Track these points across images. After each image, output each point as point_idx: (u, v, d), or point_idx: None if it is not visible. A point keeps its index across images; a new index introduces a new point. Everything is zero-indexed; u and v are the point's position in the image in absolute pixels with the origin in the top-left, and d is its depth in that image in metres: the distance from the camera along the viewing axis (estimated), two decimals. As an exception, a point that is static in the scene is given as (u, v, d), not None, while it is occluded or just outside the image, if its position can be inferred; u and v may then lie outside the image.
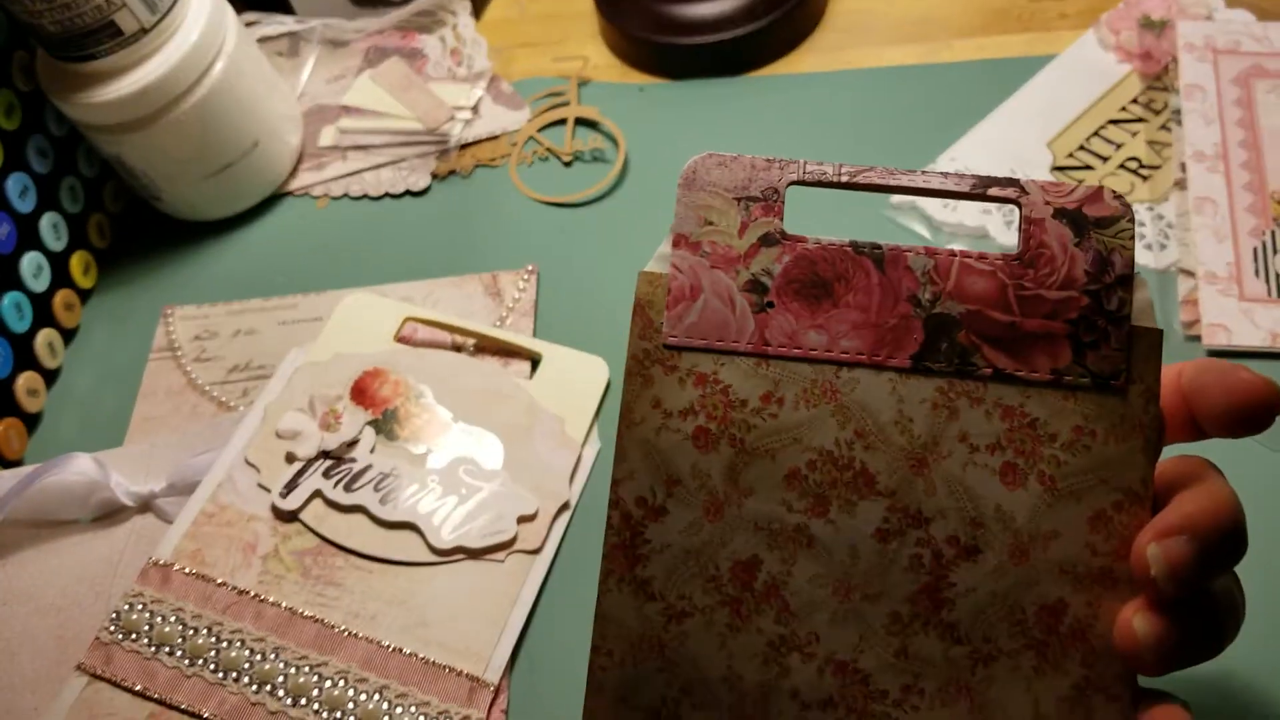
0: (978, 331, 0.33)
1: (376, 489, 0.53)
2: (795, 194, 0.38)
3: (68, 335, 0.66)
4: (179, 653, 0.49)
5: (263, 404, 0.56)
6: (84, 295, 0.67)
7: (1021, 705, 0.32)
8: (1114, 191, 0.33)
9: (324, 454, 0.54)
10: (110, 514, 0.55)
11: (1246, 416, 0.32)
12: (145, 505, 0.55)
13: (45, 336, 0.63)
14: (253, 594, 0.50)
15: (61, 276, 0.65)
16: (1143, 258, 0.57)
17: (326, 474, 0.54)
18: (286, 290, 0.65)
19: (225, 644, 0.49)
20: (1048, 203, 0.33)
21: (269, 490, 0.54)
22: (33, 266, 0.63)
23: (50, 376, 0.64)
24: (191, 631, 0.49)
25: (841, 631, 0.33)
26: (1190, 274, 0.56)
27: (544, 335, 0.60)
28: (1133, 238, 0.33)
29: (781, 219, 0.33)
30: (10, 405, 0.61)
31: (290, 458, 0.54)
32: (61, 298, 0.65)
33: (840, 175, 0.33)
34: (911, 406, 0.33)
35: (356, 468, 0.54)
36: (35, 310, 0.63)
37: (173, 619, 0.50)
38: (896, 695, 0.32)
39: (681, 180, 0.34)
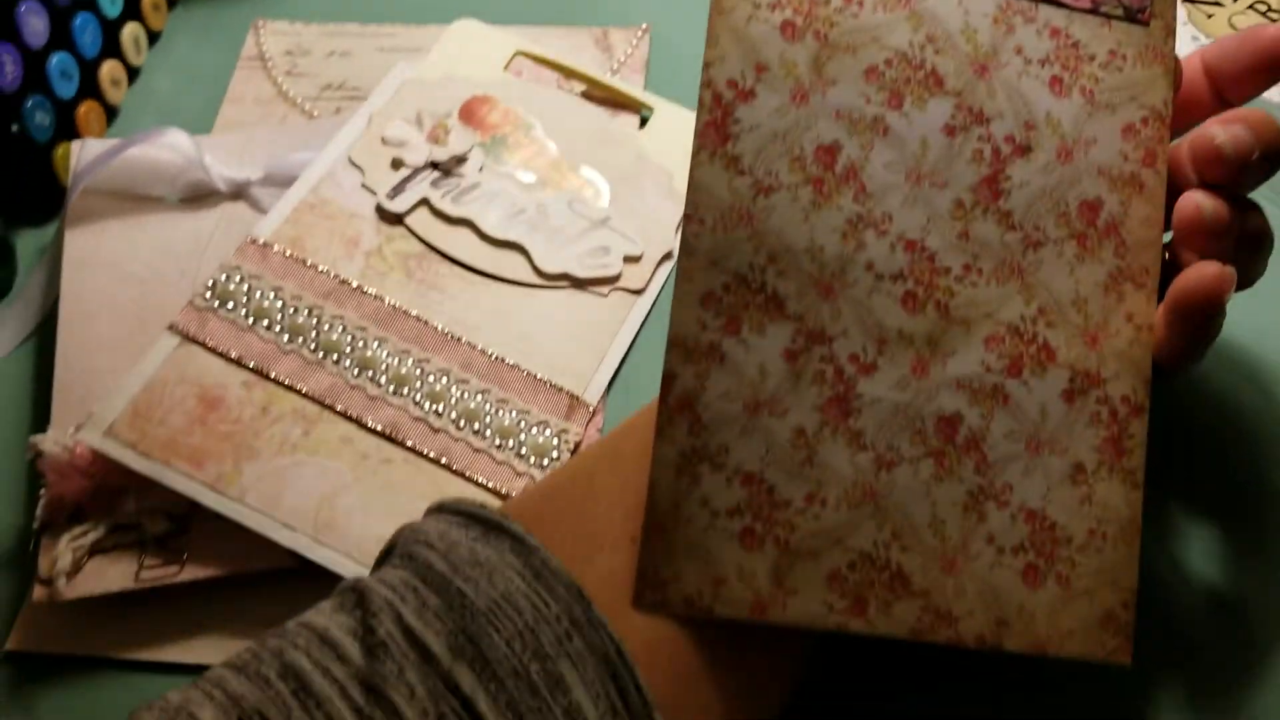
0: None
1: (485, 206, 0.52)
2: None
3: (153, 38, 0.63)
4: (277, 327, 0.47)
5: (368, 110, 0.54)
6: (171, 2, 0.65)
7: (1064, 286, 0.35)
8: None
9: (433, 164, 0.52)
10: (200, 196, 0.53)
11: (1267, 63, 0.37)
12: (238, 193, 0.53)
13: (132, 30, 0.61)
14: (355, 284, 0.49)
15: (151, -26, 0.63)
16: (1273, 95, 0.57)
17: (434, 184, 0.52)
18: (386, 18, 0.63)
19: (326, 326, 0.47)
20: None
21: (373, 192, 0.52)
22: (127, -45, 0.60)
23: (133, 74, 0.61)
24: (291, 310, 0.48)
25: (912, 213, 0.35)
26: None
27: (654, 94, 0.59)
28: None
29: None
30: (93, 89, 0.58)
31: (397, 164, 0.52)
32: (150, -3, 0.62)
33: None
34: (975, 19, 0.36)
35: (465, 183, 0.52)
36: (126, 1, 0.60)
37: (271, 295, 0.48)
38: (958, 272, 0.35)
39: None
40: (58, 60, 0.55)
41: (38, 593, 0.42)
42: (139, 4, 0.62)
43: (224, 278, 0.48)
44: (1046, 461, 0.34)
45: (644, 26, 0.61)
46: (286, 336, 0.47)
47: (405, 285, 0.49)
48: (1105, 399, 0.35)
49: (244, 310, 0.47)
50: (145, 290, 0.50)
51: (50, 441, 0.44)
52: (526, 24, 0.61)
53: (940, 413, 0.34)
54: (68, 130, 0.56)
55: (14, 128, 0.53)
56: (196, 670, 0.40)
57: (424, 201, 0.52)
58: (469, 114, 0.54)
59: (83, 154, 0.53)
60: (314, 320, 0.47)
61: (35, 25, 0.54)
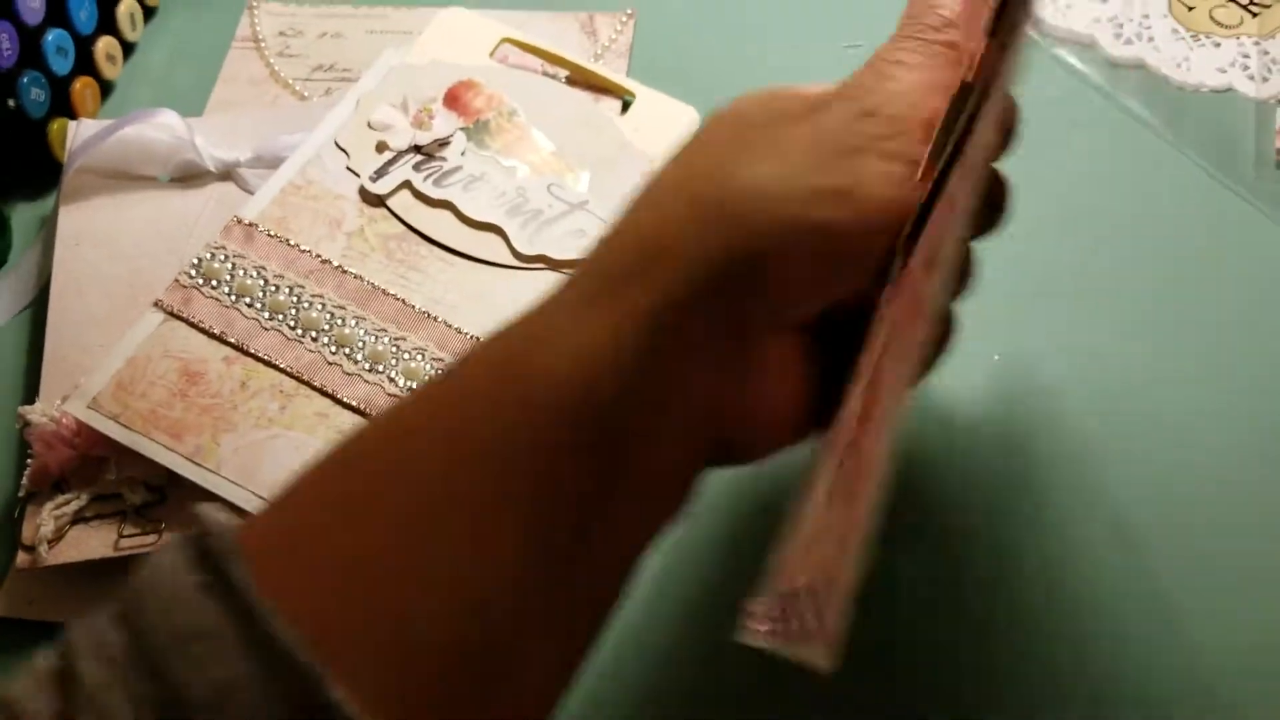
0: None
1: (466, 189, 0.53)
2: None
3: (148, 13, 0.64)
4: (258, 305, 0.49)
5: (356, 95, 0.55)
6: (166, -22, 0.66)
7: None
8: None
9: (416, 148, 0.54)
10: (190, 176, 0.54)
11: None
12: (227, 173, 0.54)
13: (128, 5, 0.62)
14: (336, 264, 0.50)
15: (148, -49, 0.64)
16: (1244, 87, 0.58)
17: (417, 168, 0.53)
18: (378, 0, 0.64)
19: (306, 305, 0.49)
20: None
21: (358, 175, 0.53)
22: (123, -67, 0.61)
23: (128, 49, 0.63)
24: (273, 289, 0.49)
25: None
26: (1289, 107, 0.56)
27: (637, 80, 0.60)
28: None
29: None
30: (89, 65, 0.59)
31: (381, 147, 0.54)
32: (146, -28, 0.64)
33: None
34: None
35: (447, 166, 0.53)
36: (121, -24, 0.61)
37: (254, 274, 0.49)
38: None
39: None
40: (54, 37, 0.56)
41: (20, 559, 0.44)
42: (135, -19, 0.63)
43: (209, 256, 0.50)
44: None
45: (629, 11, 0.62)
46: (267, 314, 0.48)
47: (385, 267, 0.51)
48: None
49: (227, 289, 0.49)
50: (135, 268, 0.52)
51: (38, 412, 0.46)
52: (514, 9, 0.62)
53: None
54: (63, 106, 0.57)
55: (10, 104, 0.54)
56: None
57: (406, 184, 0.53)
58: (454, 99, 0.56)
59: (79, 133, 0.54)
60: (295, 299, 0.49)
61: (32, 2, 0.55)
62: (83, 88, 0.58)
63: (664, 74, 0.60)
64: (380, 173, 0.53)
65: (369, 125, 0.54)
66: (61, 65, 0.57)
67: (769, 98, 0.35)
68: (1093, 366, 0.49)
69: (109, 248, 0.52)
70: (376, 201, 0.53)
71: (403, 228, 0.52)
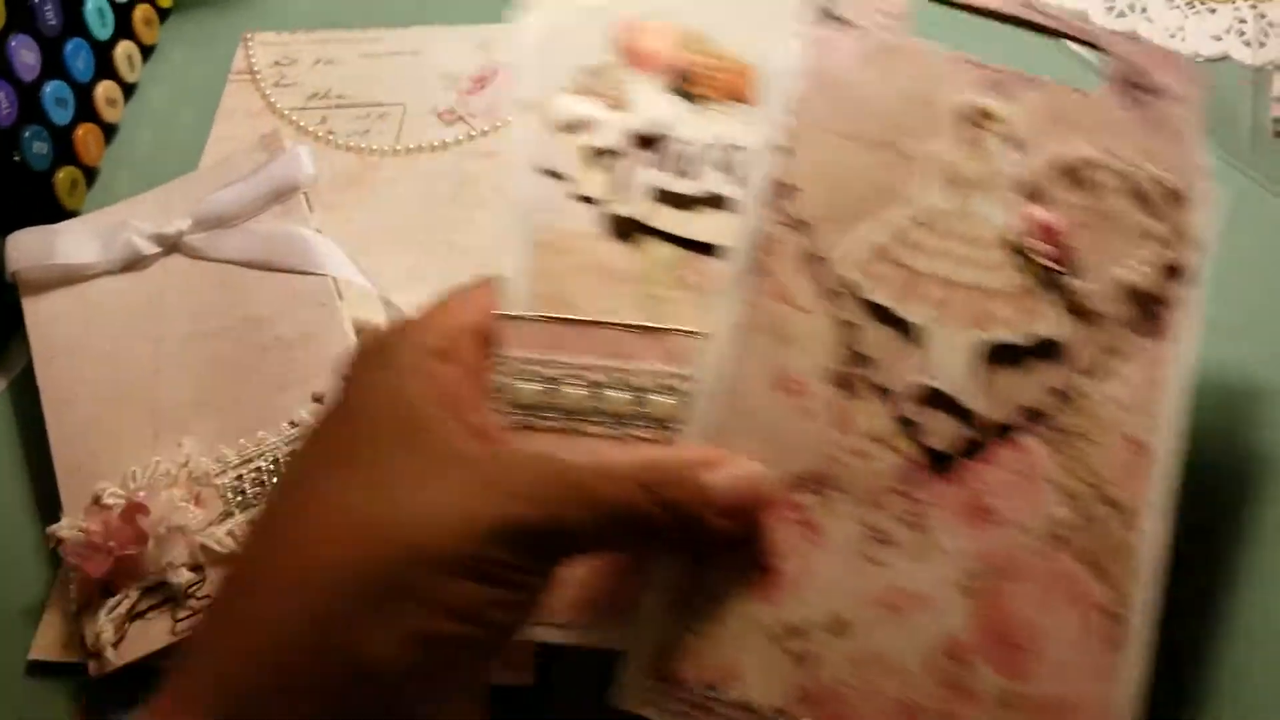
0: None
1: (721, 168, 0.41)
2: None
3: (146, 51, 0.65)
4: (602, 417, 0.38)
5: (520, 101, 0.42)
6: (163, 15, 0.67)
7: None
8: None
9: (636, 138, 0.41)
10: (138, 260, 0.54)
11: None
12: (173, 246, 0.54)
13: (125, 49, 0.63)
14: (640, 324, 0.39)
15: (142, -9, 0.65)
16: (1240, 54, 0.57)
17: (652, 163, 0.41)
18: (371, 22, 0.64)
19: (650, 392, 0.38)
20: None
21: (594, 200, 0.41)
22: (116, -24, 0.62)
23: (128, 90, 0.64)
24: (606, 389, 0.38)
25: None
26: (1287, 72, 0.56)
27: None
28: None
29: None
30: (90, 111, 0.61)
31: (597, 153, 0.41)
32: (141, 12, 0.64)
33: None
34: None
35: (683, 147, 0.41)
36: (117, 19, 0.62)
37: (573, 379, 0.38)
38: None
39: None
40: (52, 89, 0.57)
41: (92, 667, 0.46)
42: (130, 21, 0.64)
43: (510, 379, 0.38)
44: None
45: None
46: (613, 424, 0.38)
47: (689, 305, 0.39)
48: None
49: (557, 414, 0.38)
50: (115, 364, 0.51)
51: (66, 527, 0.47)
52: (502, 22, 0.63)
53: None
54: (67, 155, 0.59)
55: (15, 157, 0.55)
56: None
57: (655, 190, 0.41)
58: (627, 51, 0.43)
59: (18, 246, 0.54)
60: (635, 396, 0.38)
61: (26, 58, 0.56)
62: (85, 134, 0.60)
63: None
64: (618, 187, 0.41)
65: (561, 130, 0.41)
66: (62, 116, 0.58)
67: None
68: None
69: (84, 353, 0.52)
70: (635, 227, 0.40)
71: (678, 249, 0.40)
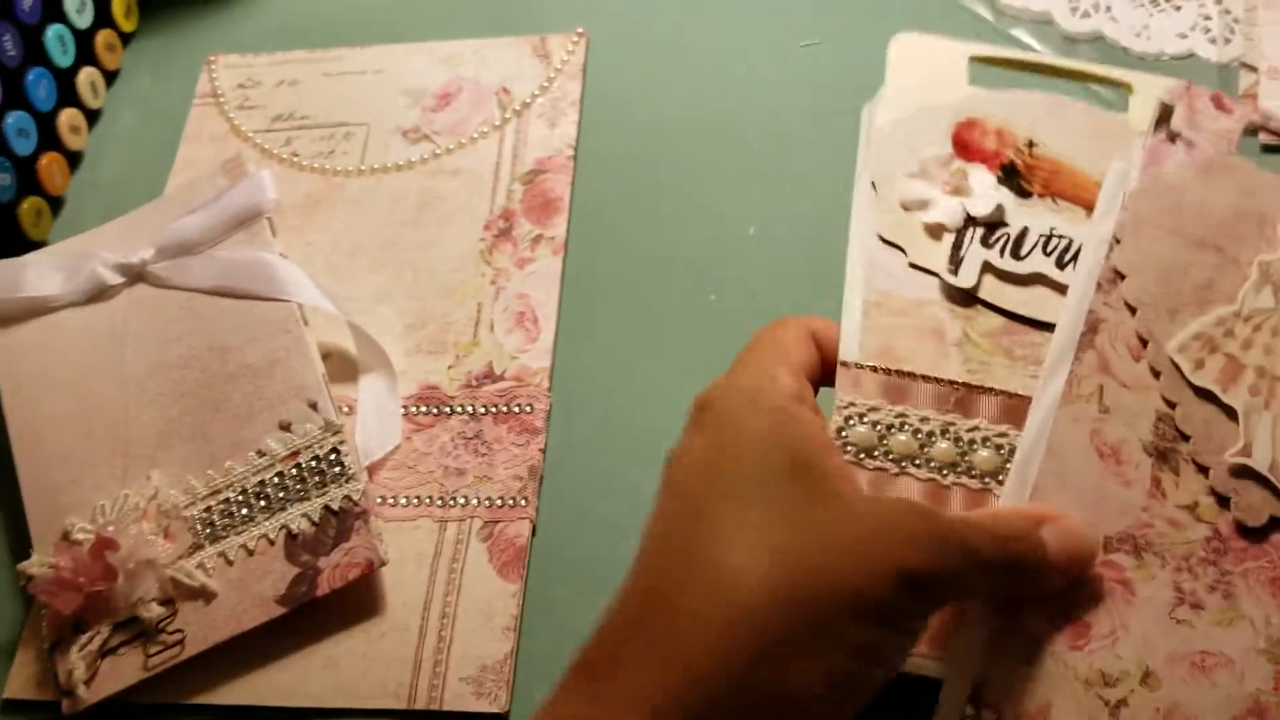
0: None
1: (1046, 252, 0.44)
2: None
3: (110, 77, 0.65)
4: (922, 462, 0.42)
5: (868, 177, 0.47)
6: (125, 39, 0.66)
7: None
8: None
9: (971, 220, 0.45)
10: (102, 290, 0.54)
11: None
12: (138, 275, 0.53)
13: (88, 75, 0.63)
14: (962, 382, 0.42)
15: (104, 16, 0.64)
16: (1205, 51, 0.57)
17: (985, 243, 0.45)
18: (333, 42, 0.64)
19: (973, 443, 0.42)
20: None
21: (929, 271, 0.44)
22: (76, 2, 0.62)
23: (92, 117, 0.63)
24: (928, 436, 0.42)
25: None
26: (1253, 69, 0.55)
27: (590, 99, 0.59)
28: None
29: None
30: (53, 140, 0.60)
31: (936, 231, 0.45)
32: (103, 38, 0.64)
33: None
34: None
35: (1012, 231, 0.45)
36: (78, 46, 0.62)
37: (900, 425, 0.42)
38: None
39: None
40: (13, 120, 0.57)
41: (65, 705, 0.46)
42: (93, 47, 0.63)
43: (846, 421, 0.42)
44: None
45: (580, 31, 0.62)
46: (937, 469, 0.42)
47: (1013, 371, 0.43)
48: None
49: (886, 455, 0.42)
50: (82, 396, 0.51)
51: (36, 564, 0.47)
52: (465, 37, 0.62)
53: None
54: (31, 185, 0.58)
55: (-24, 191, 0.55)
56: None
57: (987, 266, 0.44)
58: (962, 146, 0.47)
59: None
60: (955, 442, 0.42)
61: (-15, 91, 0.56)
62: (49, 163, 0.59)
63: (620, 93, 0.60)
64: (954, 261, 0.45)
65: (903, 206, 0.46)
66: (24, 146, 0.58)
67: (750, 414, 0.35)
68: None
69: (48, 385, 0.52)
70: (967, 299, 0.44)
71: (1003, 319, 0.44)
